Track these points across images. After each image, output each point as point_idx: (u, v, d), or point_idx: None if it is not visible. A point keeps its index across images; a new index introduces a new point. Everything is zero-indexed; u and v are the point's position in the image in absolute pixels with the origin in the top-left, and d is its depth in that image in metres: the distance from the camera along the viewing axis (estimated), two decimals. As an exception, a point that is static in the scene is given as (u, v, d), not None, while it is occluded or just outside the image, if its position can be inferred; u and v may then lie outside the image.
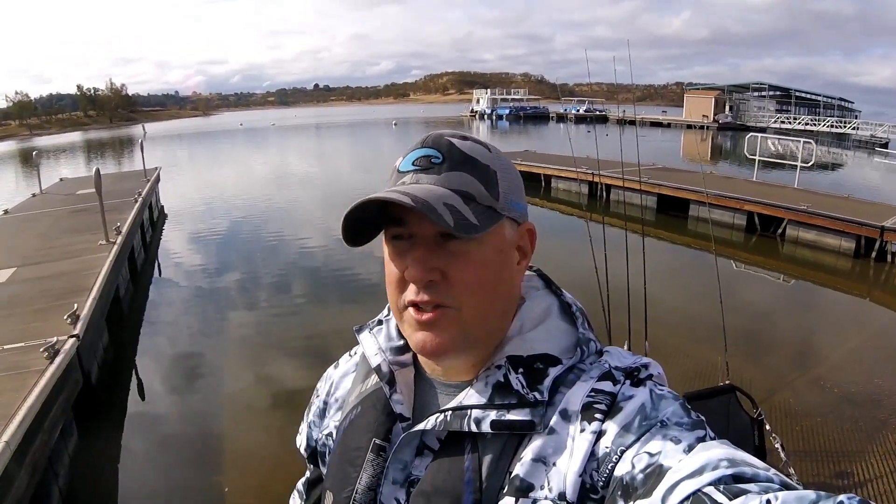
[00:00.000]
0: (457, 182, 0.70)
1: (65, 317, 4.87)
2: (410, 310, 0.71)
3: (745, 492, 0.51)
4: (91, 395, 5.02)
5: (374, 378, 0.82)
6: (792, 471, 3.24)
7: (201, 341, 7.02)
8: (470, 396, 0.71)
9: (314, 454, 0.96)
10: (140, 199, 10.87)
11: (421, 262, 0.69)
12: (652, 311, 4.47)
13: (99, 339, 5.81)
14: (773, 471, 0.55)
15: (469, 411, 0.70)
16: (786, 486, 0.52)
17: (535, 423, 0.67)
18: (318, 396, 0.96)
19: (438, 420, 0.71)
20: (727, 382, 3.80)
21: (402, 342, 0.83)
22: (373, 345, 0.85)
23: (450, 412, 0.71)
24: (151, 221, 12.64)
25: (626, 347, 4.28)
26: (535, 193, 15.95)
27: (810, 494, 0.49)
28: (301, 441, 1.00)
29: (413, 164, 0.72)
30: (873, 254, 9.36)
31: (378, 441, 0.76)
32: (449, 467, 0.70)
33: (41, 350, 4.21)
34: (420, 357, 0.80)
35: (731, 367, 4.13)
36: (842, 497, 0.47)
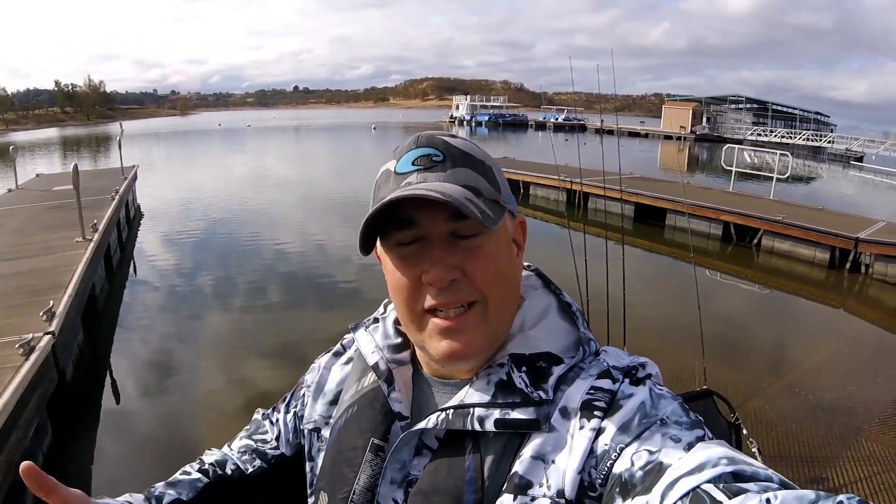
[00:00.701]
0: (463, 178, 0.70)
1: (41, 313, 4.79)
2: (434, 319, 0.70)
3: (745, 490, 0.51)
4: (66, 393, 4.94)
5: (370, 376, 0.82)
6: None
7: (176, 342, 6.94)
8: (472, 395, 0.71)
9: (289, 436, 0.97)
10: (117, 197, 10.71)
11: (441, 262, 0.68)
12: (631, 318, 4.51)
13: (74, 337, 5.71)
14: (772, 470, 0.55)
15: (472, 410, 0.69)
16: (785, 486, 0.53)
17: (540, 421, 0.66)
18: (307, 386, 0.95)
19: (440, 419, 0.70)
20: (704, 387, 3.85)
21: (399, 340, 0.83)
22: (369, 343, 0.84)
23: (451, 411, 0.70)
24: (128, 220, 12.48)
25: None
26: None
27: (809, 494, 0.49)
28: (277, 418, 1.00)
29: (413, 163, 0.71)
30: (847, 265, 9.53)
31: (377, 441, 0.76)
32: (449, 467, 0.69)
33: (16, 346, 4.13)
34: (420, 356, 0.80)
35: (709, 373, 4.19)
36: (841, 497, 0.48)
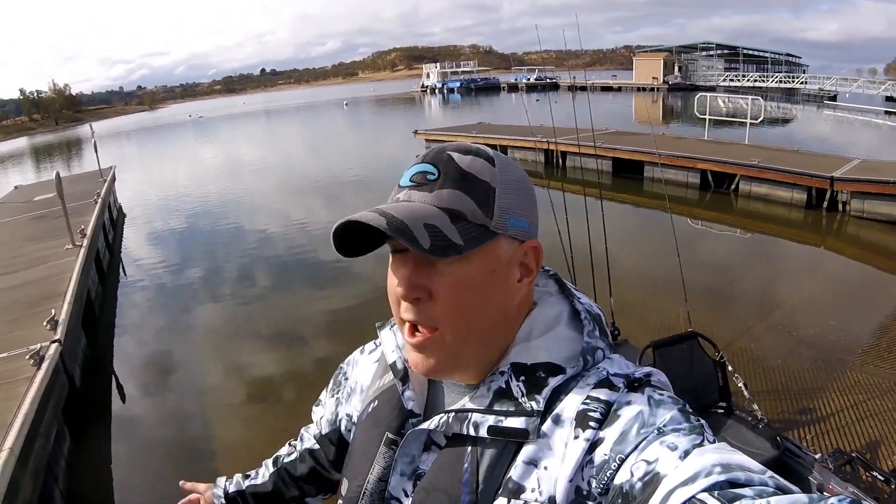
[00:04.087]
0: (447, 200, 0.69)
1: (44, 323, 4.88)
2: (406, 328, 0.73)
3: (740, 497, 0.52)
4: (77, 398, 5.06)
5: (391, 374, 0.85)
6: (756, 406, 3.46)
7: (174, 338, 7.06)
8: (473, 400, 0.73)
9: (335, 431, 1.01)
10: (100, 200, 10.71)
11: (406, 280, 0.71)
12: (614, 271, 4.68)
13: (78, 342, 5.81)
14: (768, 473, 0.56)
15: (469, 415, 0.71)
16: (780, 489, 0.54)
17: (529, 432, 0.67)
18: (346, 378, 1.00)
19: (442, 421, 0.74)
20: (689, 330, 4.04)
21: None
22: (391, 342, 0.88)
23: (452, 414, 0.73)
24: (112, 222, 12.45)
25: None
26: (493, 165, 15.97)
27: (802, 497, 0.51)
28: (321, 414, 1.06)
29: (410, 179, 0.72)
30: (825, 204, 9.69)
31: (390, 435, 0.80)
32: (450, 466, 0.72)
33: (27, 357, 4.25)
34: None
35: (693, 319, 4.38)
36: (832, 499, 0.49)
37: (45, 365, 4.22)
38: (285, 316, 7.35)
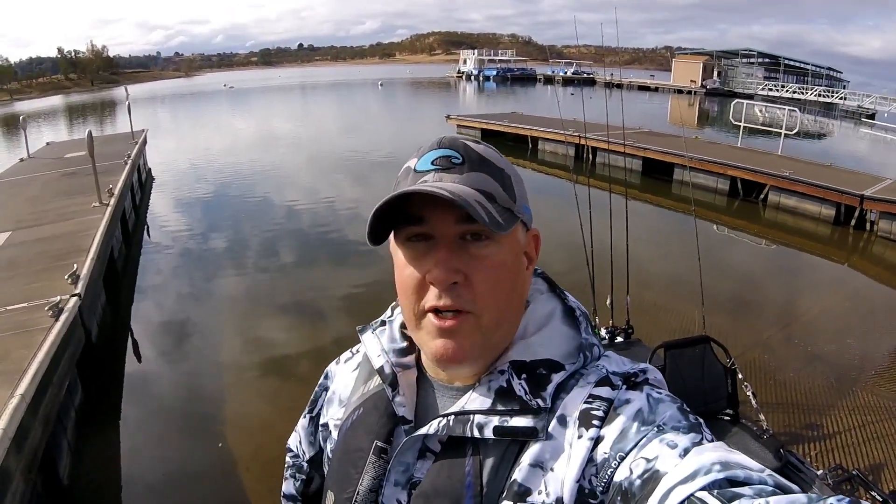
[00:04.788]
0: (479, 182, 0.70)
1: (65, 276, 4.96)
2: (431, 316, 0.70)
3: (739, 496, 0.52)
4: (93, 353, 5.15)
5: (376, 379, 0.82)
6: (762, 417, 3.43)
7: (193, 303, 7.16)
8: (472, 401, 0.72)
9: (317, 456, 0.97)
10: (129, 162, 10.87)
11: (444, 263, 0.68)
12: (634, 270, 4.66)
13: (98, 299, 5.93)
14: (767, 471, 0.56)
15: (472, 416, 0.70)
16: (780, 487, 0.53)
17: (538, 430, 0.67)
18: (325, 390, 0.97)
19: (441, 424, 0.72)
20: (703, 334, 4.01)
21: (405, 344, 0.84)
22: (376, 346, 0.84)
23: (452, 416, 0.71)
24: (140, 184, 12.64)
25: (608, 302, 4.50)
26: (521, 155, 16.05)
27: (801, 497, 0.50)
28: (298, 440, 1.01)
29: (432, 163, 0.71)
30: (853, 221, 9.54)
31: (380, 443, 0.77)
32: (450, 470, 0.70)
33: (46, 308, 4.34)
34: (424, 360, 0.81)
35: (710, 324, 4.34)
36: (831, 499, 0.48)
37: (62, 317, 4.30)
38: (306, 289, 7.41)
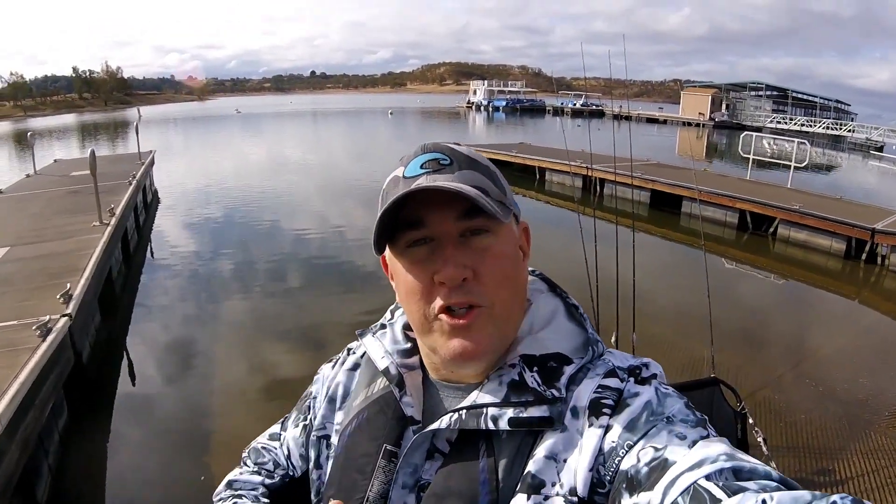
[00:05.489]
0: (471, 179, 0.71)
1: (58, 296, 4.87)
2: (444, 317, 0.70)
3: (744, 489, 0.52)
4: (82, 374, 5.03)
5: (380, 382, 0.82)
6: (773, 465, 3.25)
7: (193, 326, 7.04)
8: (484, 395, 0.71)
9: (300, 451, 0.93)
10: (134, 182, 10.83)
11: (452, 261, 0.69)
12: (641, 305, 4.50)
13: (91, 319, 5.82)
14: (771, 465, 0.57)
15: (485, 409, 0.70)
16: (783, 483, 0.54)
17: (554, 419, 0.67)
18: (313, 397, 0.94)
19: (453, 419, 0.71)
20: (712, 375, 3.86)
21: (408, 345, 0.84)
22: (379, 348, 0.84)
23: (464, 411, 0.71)
24: (145, 204, 12.61)
25: (613, 339, 4.36)
26: (529, 186, 16.05)
27: (805, 495, 0.50)
28: (285, 453, 0.96)
29: (422, 167, 0.72)
30: (864, 255, 9.40)
31: (389, 447, 0.76)
32: (462, 469, 0.69)
33: (34, 328, 4.21)
34: (428, 363, 0.81)
35: (718, 362, 4.17)
36: (835, 497, 0.48)
37: (50, 338, 4.18)
38: (312, 316, 7.31)
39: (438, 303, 0.70)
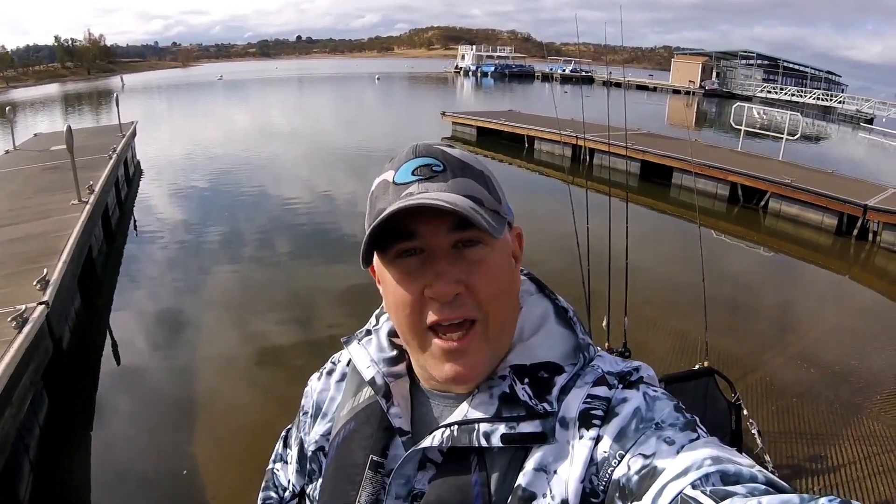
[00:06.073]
0: (465, 188, 0.68)
1: (34, 283, 4.72)
2: (436, 340, 0.69)
3: (731, 494, 0.51)
4: (62, 361, 4.91)
5: (366, 391, 0.80)
6: (767, 458, 3.26)
7: (177, 298, 6.97)
8: (475, 409, 0.70)
9: (303, 464, 0.92)
10: (114, 156, 10.53)
11: (445, 276, 0.66)
12: (633, 278, 4.43)
13: (71, 302, 5.68)
14: (757, 467, 0.56)
15: (476, 425, 0.68)
16: (770, 484, 0.53)
17: (547, 434, 0.66)
18: (304, 412, 0.92)
19: (445, 436, 0.69)
20: (706, 364, 3.80)
21: (394, 353, 0.81)
22: (364, 357, 0.82)
23: (456, 427, 0.69)
24: (127, 178, 12.32)
25: (604, 324, 4.29)
26: (517, 155, 15.95)
27: (794, 498, 0.49)
28: (286, 478, 1.00)
29: (413, 173, 0.69)
30: (855, 231, 9.37)
31: (375, 457, 0.74)
32: (456, 482, 0.68)
33: (9, 320, 4.06)
34: (417, 370, 0.78)
35: (710, 344, 4.15)
36: (823, 500, 0.48)
37: (26, 329, 4.03)
38: (301, 284, 7.33)
39: (430, 318, 0.68)
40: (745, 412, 3.37)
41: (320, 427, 0.86)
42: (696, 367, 3.80)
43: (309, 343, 5.79)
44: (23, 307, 4.28)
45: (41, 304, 4.49)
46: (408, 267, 0.68)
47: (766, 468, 2.33)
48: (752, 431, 3.38)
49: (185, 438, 4.36)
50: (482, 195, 0.69)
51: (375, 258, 0.72)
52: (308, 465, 0.88)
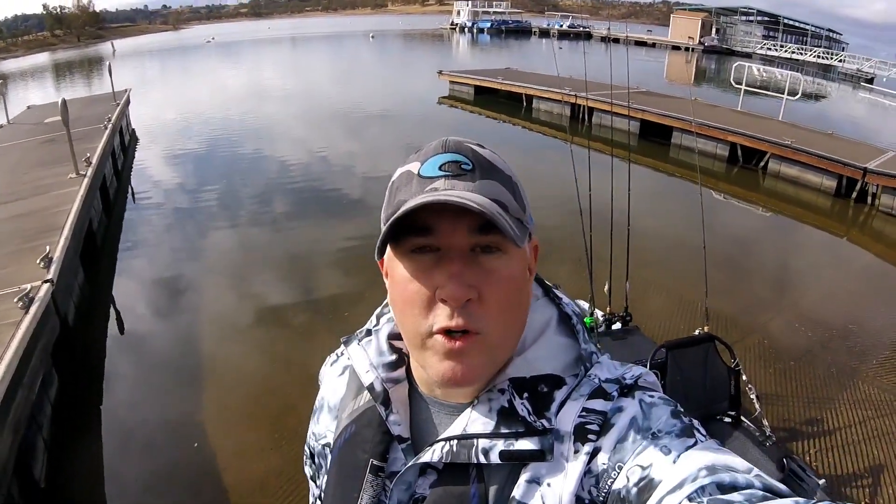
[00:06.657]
0: (492, 191, 0.65)
1: (38, 260, 4.74)
2: (439, 337, 0.65)
3: (730, 503, 0.51)
4: (69, 337, 4.96)
5: (366, 395, 0.78)
6: (765, 422, 3.31)
7: (179, 264, 7.05)
8: (474, 423, 0.68)
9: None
10: (110, 126, 10.45)
11: (459, 278, 0.63)
12: (634, 238, 4.48)
13: (74, 278, 5.72)
14: (754, 472, 0.56)
15: (475, 441, 0.67)
16: (768, 489, 0.53)
17: (544, 452, 0.64)
18: (318, 406, 0.91)
19: (445, 451, 0.68)
20: (706, 330, 3.86)
21: (393, 357, 0.79)
22: (364, 360, 0.79)
23: (455, 441, 0.68)
24: (123, 147, 12.23)
25: (605, 289, 4.34)
26: (516, 114, 15.83)
27: (788, 503, 0.50)
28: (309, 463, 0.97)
29: (441, 168, 0.66)
30: (854, 194, 9.36)
31: (375, 462, 0.74)
32: (454, 493, 0.68)
33: (15, 300, 4.09)
34: (416, 375, 0.77)
35: (710, 305, 4.20)
36: None
37: (33, 308, 4.07)
38: (299, 243, 7.41)
39: (438, 323, 0.65)
40: (743, 377, 3.43)
41: (327, 422, 0.86)
42: (697, 332, 3.86)
43: (309, 302, 5.88)
44: (28, 286, 4.31)
45: (46, 282, 4.51)
46: (421, 264, 0.66)
47: (765, 432, 2.39)
48: (751, 396, 3.44)
49: (192, 406, 4.46)
50: (508, 201, 0.66)
51: (388, 249, 0.70)
52: (316, 460, 0.89)
